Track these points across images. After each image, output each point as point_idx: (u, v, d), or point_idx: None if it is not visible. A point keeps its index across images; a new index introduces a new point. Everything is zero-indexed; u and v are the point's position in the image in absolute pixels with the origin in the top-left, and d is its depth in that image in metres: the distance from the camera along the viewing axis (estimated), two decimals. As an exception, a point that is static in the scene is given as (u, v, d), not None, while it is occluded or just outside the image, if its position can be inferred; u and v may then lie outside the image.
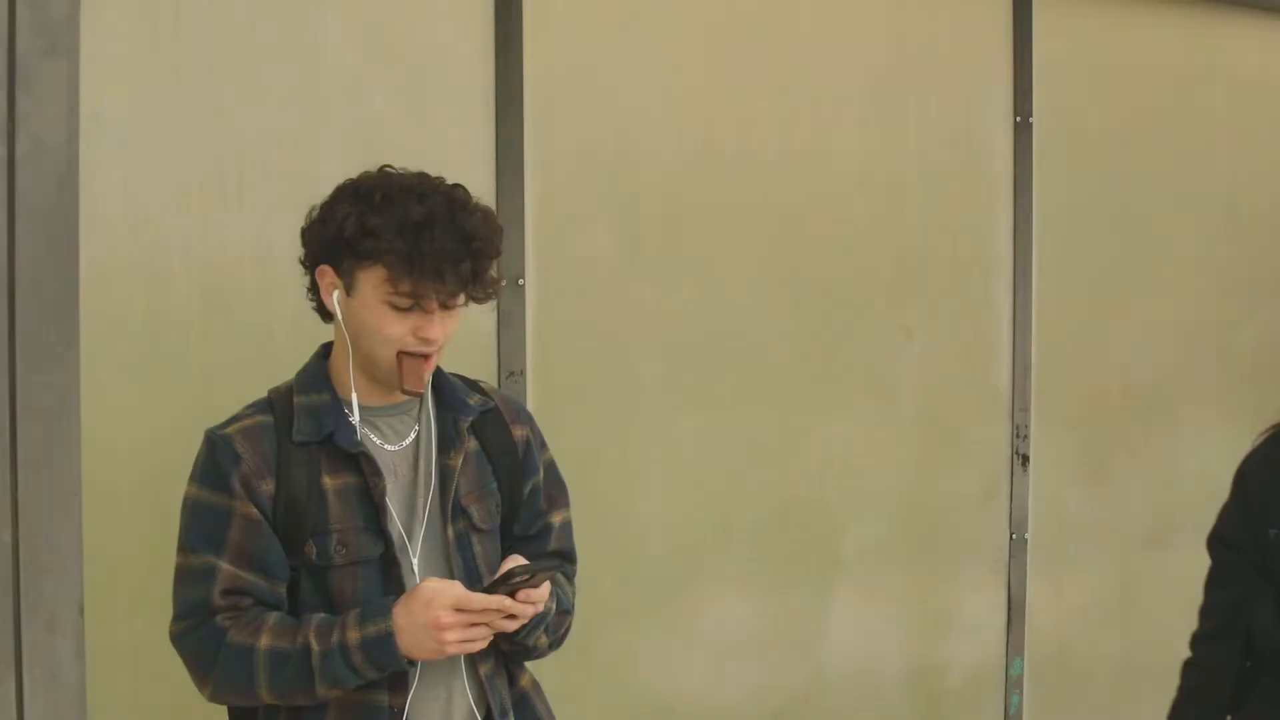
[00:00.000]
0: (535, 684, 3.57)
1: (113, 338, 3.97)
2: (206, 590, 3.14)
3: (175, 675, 3.46)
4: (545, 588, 3.23)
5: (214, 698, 3.23)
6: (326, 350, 3.37)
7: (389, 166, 3.27)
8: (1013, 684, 6.05)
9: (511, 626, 3.19)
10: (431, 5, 4.63)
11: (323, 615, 3.17)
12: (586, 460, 4.92)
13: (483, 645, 3.15)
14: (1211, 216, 6.60)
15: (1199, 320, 6.59)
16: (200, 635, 3.16)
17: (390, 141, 4.37)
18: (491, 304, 4.63)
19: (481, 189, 4.63)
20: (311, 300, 3.34)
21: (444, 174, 3.30)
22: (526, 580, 3.14)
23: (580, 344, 4.97)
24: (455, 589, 3.10)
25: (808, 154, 5.46)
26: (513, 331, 4.74)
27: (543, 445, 3.56)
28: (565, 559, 3.58)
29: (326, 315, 3.33)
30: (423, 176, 3.23)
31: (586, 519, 4.97)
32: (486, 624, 3.11)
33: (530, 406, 4.76)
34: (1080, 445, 6.27)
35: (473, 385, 3.49)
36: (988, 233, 5.89)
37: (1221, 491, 6.67)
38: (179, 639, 3.21)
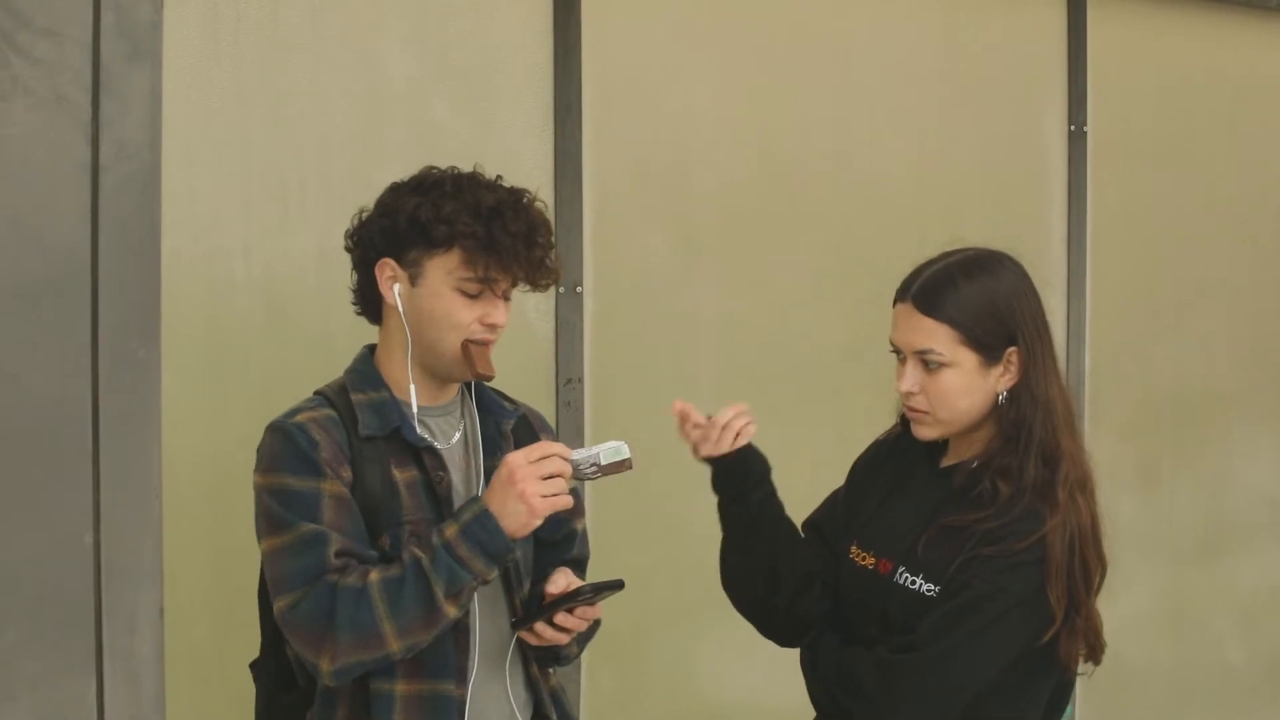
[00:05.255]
0: (561, 686, 3.61)
1: (176, 343, 3.98)
2: (320, 553, 3.10)
3: (238, 682, 3.47)
4: (599, 606, 3.30)
5: (335, 664, 3.10)
6: (371, 351, 3.40)
7: (434, 168, 3.34)
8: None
9: (564, 639, 3.28)
10: (491, 14, 4.65)
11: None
12: (643, 466, 4.90)
13: (565, 502, 3.14)
14: (1266, 224, 6.59)
15: (1254, 331, 6.57)
16: (314, 596, 3.09)
17: (449, 149, 4.37)
18: (550, 311, 4.68)
19: (540, 197, 4.68)
20: (356, 304, 3.39)
21: (503, 181, 3.34)
22: (589, 599, 3.23)
23: (638, 351, 4.98)
24: (521, 450, 3.17)
25: (863, 162, 5.46)
26: (571, 338, 4.76)
27: None
28: (582, 566, 3.63)
29: (374, 316, 3.38)
30: (477, 173, 3.33)
31: (643, 525, 4.99)
32: (561, 475, 3.12)
33: (588, 413, 4.78)
34: (1133, 455, 6.26)
35: (501, 394, 3.55)
36: (1042, 241, 5.88)
37: (1276, 502, 6.67)
38: (290, 611, 3.12)
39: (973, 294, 3.27)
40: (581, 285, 4.78)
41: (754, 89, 5.23)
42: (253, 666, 3.44)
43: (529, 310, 4.68)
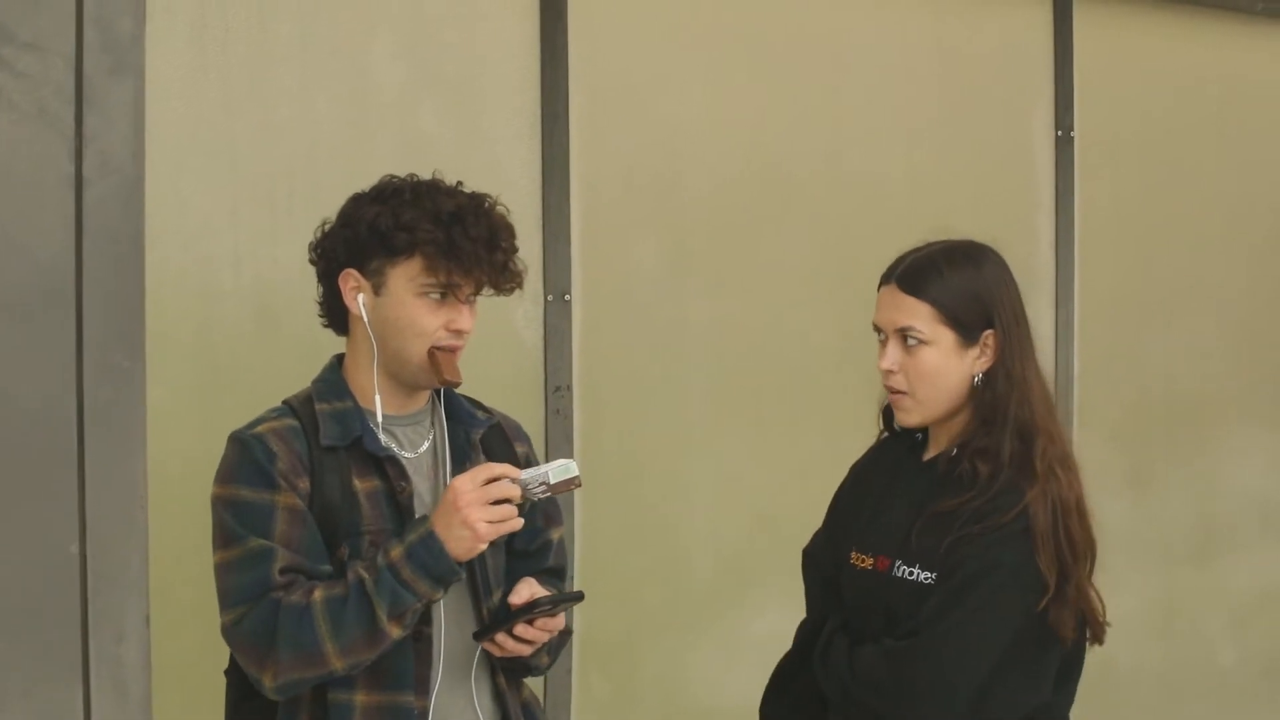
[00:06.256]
0: (534, 696, 3.60)
1: (164, 352, 3.98)
2: (265, 570, 3.12)
3: (224, 691, 3.48)
4: (561, 618, 3.31)
5: (278, 680, 3.14)
6: (340, 361, 3.41)
7: (394, 176, 3.34)
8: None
9: (526, 651, 3.27)
10: (478, 22, 4.66)
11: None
12: (633, 474, 4.93)
13: (513, 525, 3.16)
14: (1255, 227, 6.60)
15: (1243, 332, 6.57)
16: (257, 613, 3.12)
17: (437, 157, 4.35)
18: (538, 319, 4.69)
19: (528, 204, 4.66)
20: (322, 315, 3.40)
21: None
22: (549, 610, 3.23)
23: (627, 358, 4.98)
24: (468, 472, 3.17)
25: (853, 168, 5.47)
26: (560, 346, 4.77)
27: (538, 464, 3.57)
28: (559, 576, 3.61)
29: (340, 326, 3.39)
30: (437, 179, 3.33)
31: (634, 532, 4.99)
32: (509, 500, 3.12)
33: (577, 421, 4.79)
34: (1124, 457, 6.27)
35: (474, 403, 3.53)
36: (1030, 245, 5.89)
37: (1267, 504, 6.68)
38: (234, 627, 3.17)
39: (954, 277, 3.40)
40: (570, 293, 4.78)
41: (742, 94, 5.23)
42: (227, 673, 3.45)
43: (517, 318, 4.69)
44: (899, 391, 3.42)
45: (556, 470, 3.18)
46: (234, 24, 4.23)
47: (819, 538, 3.76)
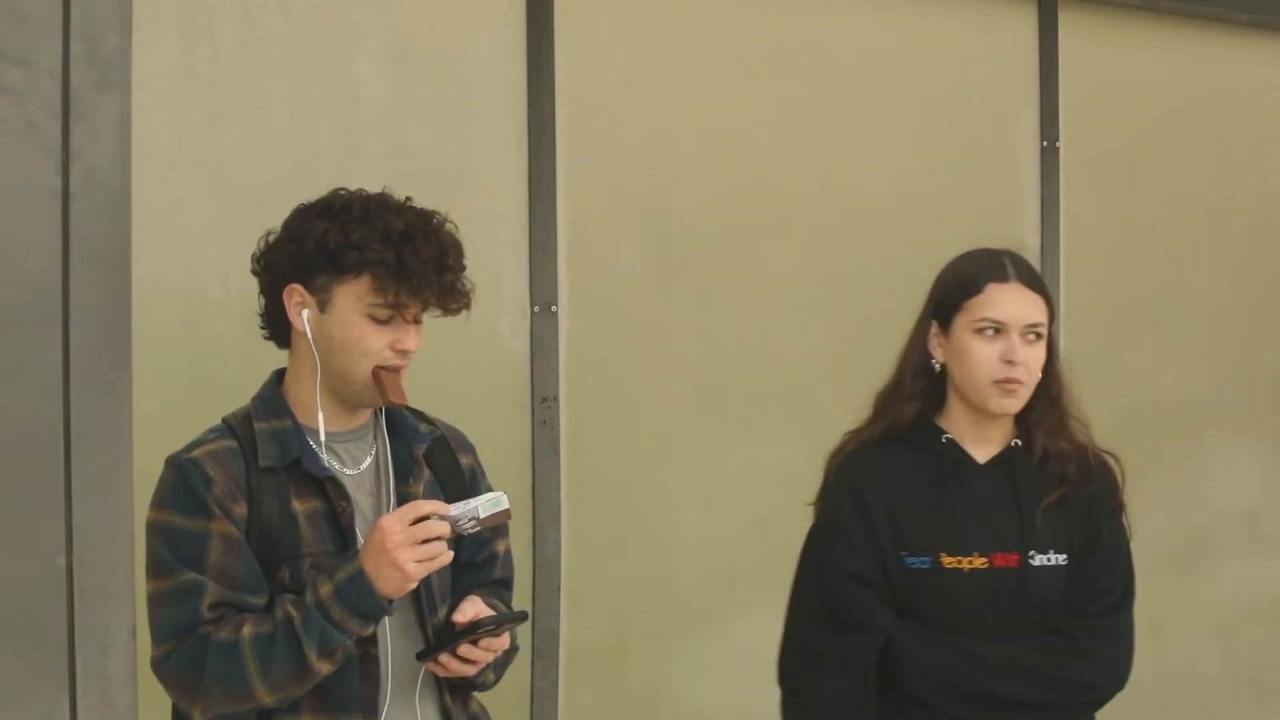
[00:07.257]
0: (483, 708, 3.53)
1: (152, 365, 3.98)
2: (194, 606, 3.07)
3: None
4: (505, 637, 3.26)
5: (207, 714, 3.10)
6: (280, 377, 3.34)
7: (342, 189, 3.28)
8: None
9: (470, 671, 3.23)
10: (465, 34, 4.67)
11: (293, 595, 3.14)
12: (621, 483, 4.94)
13: (442, 561, 3.10)
14: (1240, 238, 6.61)
15: (1228, 342, 6.58)
16: (186, 648, 3.07)
17: (425, 169, 4.40)
18: (525, 329, 4.69)
19: (514, 215, 4.66)
20: (264, 328, 3.32)
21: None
22: (492, 631, 3.20)
23: (613, 368, 4.99)
24: (396, 511, 3.12)
25: (840, 179, 5.48)
26: (546, 357, 4.76)
27: (484, 474, 3.53)
28: (506, 587, 3.54)
29: (282, 340, 3.31)
30: (385, 194, 3.26)
31: (621, 541, 5.00)
32: (439, 537, 3.07)
33: (563, 431, 4.78)
34: (1109, 467, 6.28)
35: (418, 414, 3.45)
36: (1016, 256, 5.91)
37: (1252, 513, 6.68)
38: (163, 662, 3.12)
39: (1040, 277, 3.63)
40: (556, 304, 4.78)
41: (729, 106, 5.24)
42: None
43: (504, 329, 4.70)
44: (1017, 382, 3.51)
45: (486, 504, 3.15)
46: (221, 36, 4.23)
47: (858, 554, 3.58)
